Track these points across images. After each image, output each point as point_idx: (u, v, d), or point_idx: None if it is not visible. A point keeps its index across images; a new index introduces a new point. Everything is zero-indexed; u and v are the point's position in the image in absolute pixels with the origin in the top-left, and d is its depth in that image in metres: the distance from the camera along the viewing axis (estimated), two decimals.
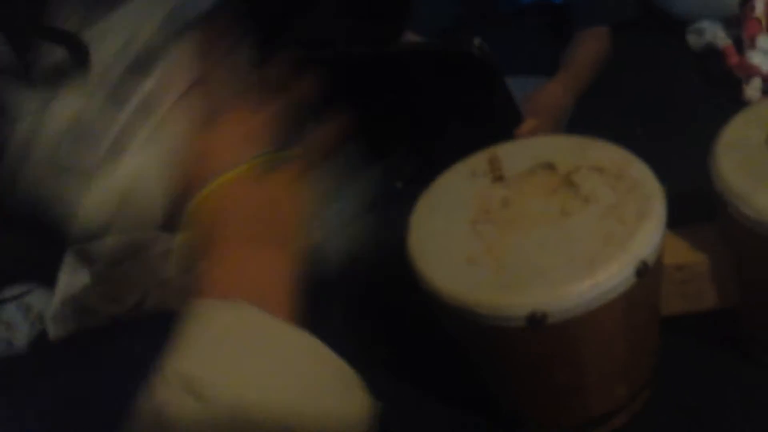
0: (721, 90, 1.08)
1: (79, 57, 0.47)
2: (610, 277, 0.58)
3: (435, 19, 1.29)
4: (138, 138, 0.48)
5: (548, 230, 0.63)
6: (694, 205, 0.69)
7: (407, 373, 0.80)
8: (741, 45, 1.10)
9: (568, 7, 1.26)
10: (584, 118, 1.14)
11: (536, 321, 0.58)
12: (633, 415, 0.71)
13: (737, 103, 1.03)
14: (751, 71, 1.03)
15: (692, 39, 1.18)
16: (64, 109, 0.47)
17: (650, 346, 0.69)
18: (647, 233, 0.60)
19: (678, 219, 0.73)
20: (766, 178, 0.62)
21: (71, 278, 1.04)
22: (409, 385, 0.79)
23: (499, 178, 0.71)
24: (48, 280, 1.08)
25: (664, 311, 0.70)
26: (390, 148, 1.03)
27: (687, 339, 0.75)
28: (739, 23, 1.12)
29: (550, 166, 0.70)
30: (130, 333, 0.99)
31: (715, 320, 0.72)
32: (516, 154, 0.73)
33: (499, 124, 0.96)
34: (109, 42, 0.48)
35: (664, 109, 1.09)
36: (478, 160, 0.74)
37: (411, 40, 1.28)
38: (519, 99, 1.09)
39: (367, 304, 0.92)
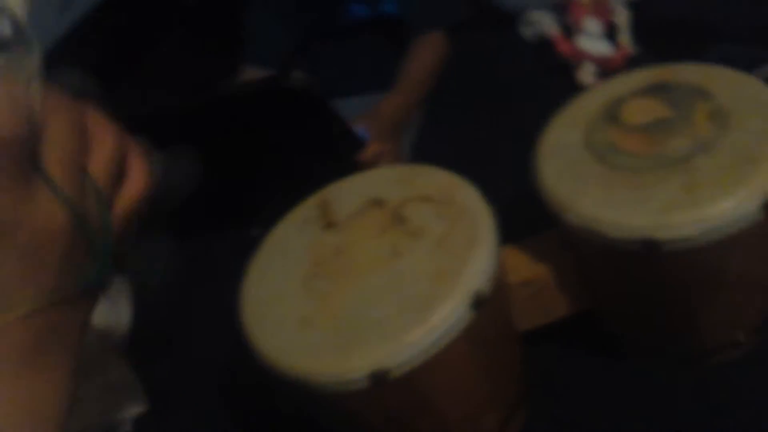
0: (559, 79, 1.08)
1: None
2: (444, 317, 0.55)
3: (269, 46, 1.25)
4: None
5: (381, 276, 0.59)
6: (542, 208, 0.67)
7: None
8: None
9: (403, 16, 1.24)
10: (431, 127, 1.12)
11: (379, 379, 0.54)
12: None
13: (576, 90, 1.03)
14: (580, 56, 1.04)
15: (525, 30, 1.17)
16: None
17: (512, 369, 0.67)
18: (478, 261, 0.58)
19: (526, 226, 0.71)
20: (586, 184, 0.60)
21: None
22: None
23: (330, 223, 0.67)
24: None
25: (521, 328, 0.68)
26: (233, 200, 0.98)
27: (554, 347, 0.73)
28: (565, 9, 1.12)
29: (378, 203, 0.66)
30: None
31: (578, 324, 0.71)
32: (346, 193, 0.70)
33: (338, 154, 0.92)
34: None
35: (507, 106, 1.07)
36: (309, 205, 0.70)
37: (248, 73, 1.23)
38: (361, 119, 1.06)
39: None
